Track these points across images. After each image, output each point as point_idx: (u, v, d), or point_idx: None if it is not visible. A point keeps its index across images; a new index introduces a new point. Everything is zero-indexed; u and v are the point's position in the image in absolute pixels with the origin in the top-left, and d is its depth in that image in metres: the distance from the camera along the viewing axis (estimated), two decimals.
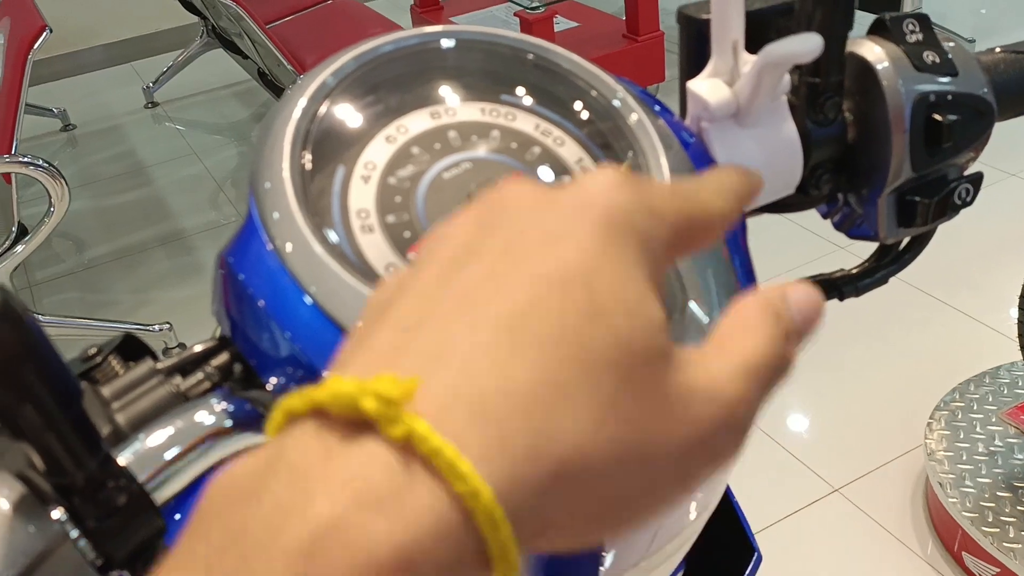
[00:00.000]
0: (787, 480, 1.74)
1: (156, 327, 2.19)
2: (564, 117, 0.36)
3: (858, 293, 0.48)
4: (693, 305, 0.34)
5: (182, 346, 2.19)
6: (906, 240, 0.48)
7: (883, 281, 0.48)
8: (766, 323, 0.25)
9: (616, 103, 0.37)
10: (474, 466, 0.20)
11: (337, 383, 0.21)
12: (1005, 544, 1.45)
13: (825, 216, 0.48)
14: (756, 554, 0.58)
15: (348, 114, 0.35)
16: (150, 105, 3.66)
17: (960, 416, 1.66)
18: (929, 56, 0.43)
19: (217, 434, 0.33)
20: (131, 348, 0.36)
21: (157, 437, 0.33)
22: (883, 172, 0.43)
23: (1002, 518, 1.49)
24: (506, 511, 0.20)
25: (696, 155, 0.38)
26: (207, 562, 0.20)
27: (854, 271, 0.49)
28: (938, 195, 0.44)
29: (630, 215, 0.24)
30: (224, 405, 0.34)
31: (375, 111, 0.35)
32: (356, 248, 0.32)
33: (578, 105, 0.37)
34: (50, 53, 3.72)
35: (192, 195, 2.99)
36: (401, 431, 0.20)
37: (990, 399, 1.68)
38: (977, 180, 0.45)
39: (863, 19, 0.41)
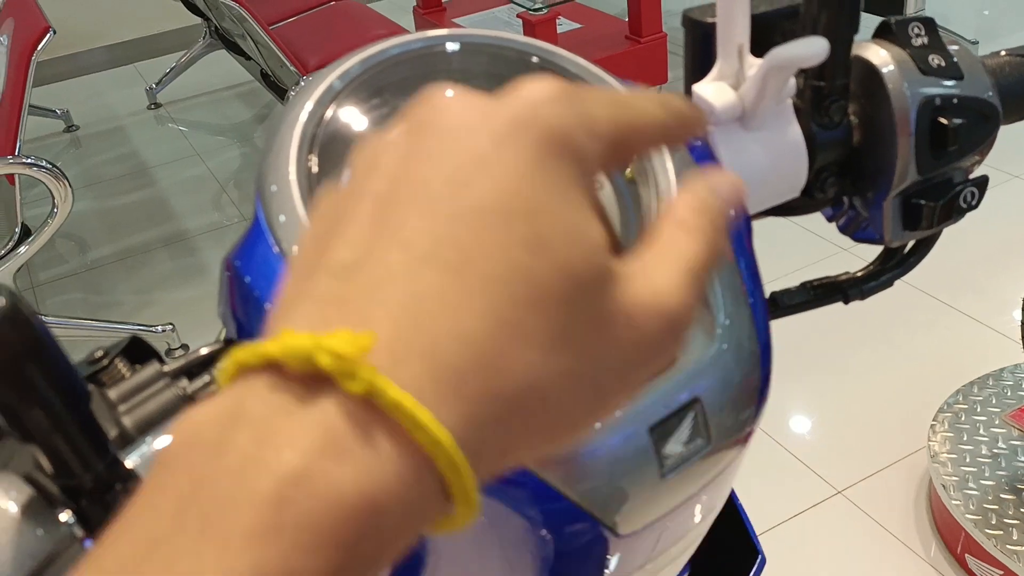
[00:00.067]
0: (790, 482, 1.73)
1: (159, 328, 2.20)
2: None
3: (863, 296, 0.48)
4: (699, 308, 0.34)
5: (185, 347, 2.20)
6: (911, 243, 0.48)
7: (888, 284, 0.48)
8: (702, 222, 0.26)
9: None
10: (433, 414, 0.20)
11: (290, 337, 0.21)
12: (1008, 546, 1.45)
13: (830, 219, 0.48)
14: (760, 556, 0.58)
15: (354, 117, 0.35)
16: (153, 106, 3.67)
17: (963, 418, 1.66)
18: (934, 60, 0.43)
19: None
20: (137, 351, 0.36)
21: (164, 440, 0.33)
22: (888, 175, 0.43)
23: (1005, 520, 1.48)
24: (466, 452, 0.21)
25: (701, 158, 0.38)
26: (173, 513, 0.20)
27: (859, 274, 0.49)
28: (943, 198, 0.44)
29: (568, 134, 0.23)
30: None
31: (381, 114, 0.35)
32: None
33: None
34: (53, 54, 3.72)
35: (195, 196, 3.00)
36: (360, 386, 0.20)
37: (994, 401, 1.68)
38: (982, 183, 0.45)
39: (868, 23, 0.41)
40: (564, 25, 3.06)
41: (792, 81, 0.39)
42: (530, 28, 2.70)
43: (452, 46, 0.37)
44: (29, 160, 1.93)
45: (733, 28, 0.38)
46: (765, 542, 0.58)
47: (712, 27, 0.40)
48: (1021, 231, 2.30)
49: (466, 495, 0.21)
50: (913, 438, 1.75)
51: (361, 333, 0.21)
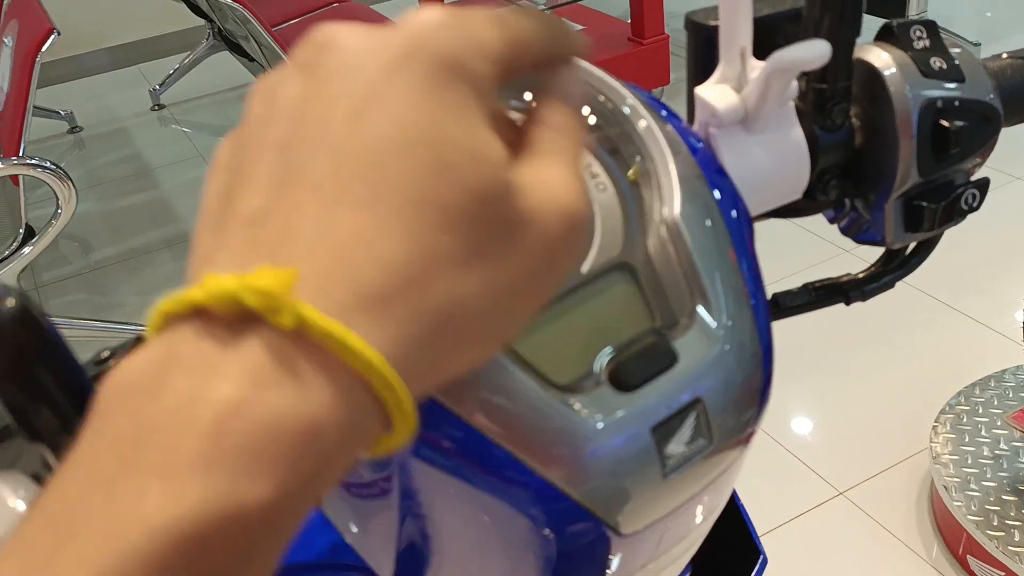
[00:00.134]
0: (792, 483, 1.73)
1: None
2: None
3: (865, 298, 0.48)
4: (701, 309, 0.34)
5: None
6: (913, 245, 0.48)
7: (890, 286, 0.48)
8: (570, 122, 0.27)
9: (626, 109, 0.37)
10: (363, 339, 0.21)
11: (213, 281, 0.21)
12: (1010, 548, 1.45)
13: (832, 221, 0.48)
14: (762, 557, 0.58)
15: None
16: (156, 107, 3.67)
17: (965, 420, 1.66)
18: (936, 62, 0.43)
19: None
20: None
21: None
22: (890, 177, 0.43)
23: (1007, 522, 1.48)
24: (399, 371, 0.22)
25: (704, 161, 0.38)
26: (114, 454, 0.20)
27: (861, 275, 0.49)
28: (945, 200, 0.44)
29: (457, 57, 0.24)
30: None
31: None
32: None
33: (586, 110, 0.37)
34: (57, 56, 3.73)
35: (198, 198, 2.98)
36: (289, 320, 0.21)
37: (995, 403, 1.68)
38: (984, 185, 0.45)
39: (870, 25, 0.41)
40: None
41: (794, 84, 0.39)
42: None
43: None
44: (33, 161, 1.94)
45: (736, 31, 0.38)
46: (767, 543, 0.58)
47: (715, 30, 0.40)
48: (1022, 233, 2.30)
49: (403, 412, 0.22)
50: (915, 439, 1.75)
51: (283, 269, 0.22)
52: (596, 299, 0.33)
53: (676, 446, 0.32)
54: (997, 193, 0.46)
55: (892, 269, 0.48)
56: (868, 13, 0.41)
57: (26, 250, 2.03)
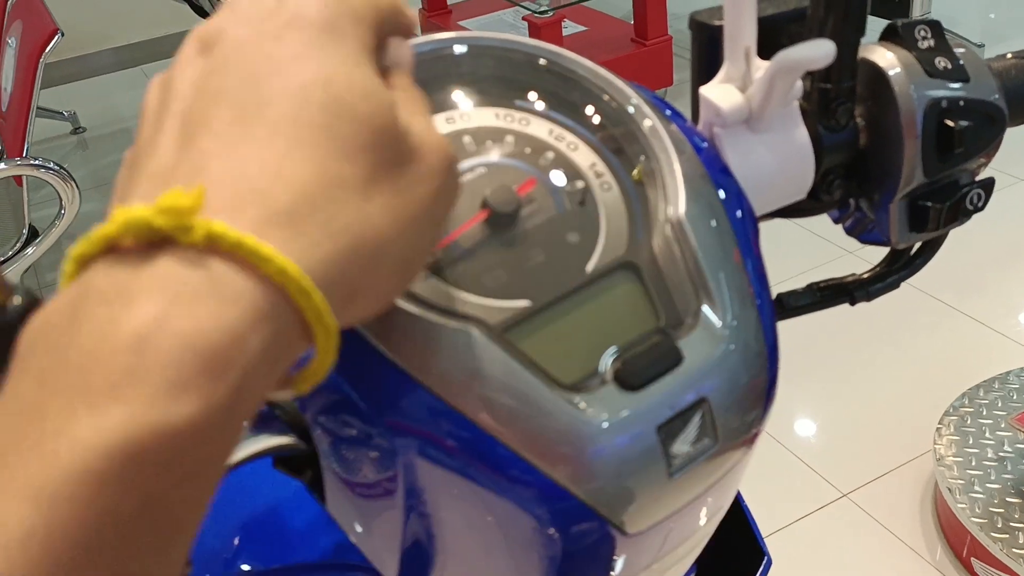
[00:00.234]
0: (795, 485, 1.73)
1: None
2: (577, 122, 0.36)
3: (869, 298, 0.48)
4: (706, 309, 0.34)
5: None
6: (917, 245, 0.48)
7: (895, 286, 0.48)
8: (414, 83, 0.30)
9: (630, 109, 0.37)
10: (276, 249, 0.22)
11: (124, 213, 0.22)
12: (1015, 550, 1.45)
13: (837, 221, 0.48)
14: (766, 558, 0.58)
15: None
16: None
17: (969, 421, 1.66)
18: (941, 62, 0.43)
19: None
20: None
21: None
22: (895, 177, 0.43)
23: (1011, 524, 1.48)
24: (314, 281, 0.23)
25: (708, 160, 0.38)
26: (38, 386, 0.21)
27: (866, 276, 0.49)
28: (950, 200, 0.44)
29: (335, 20, 0.26)
30: None
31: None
32: None
33: (591, 110, 0.37)
34: (60, 56, 3.73)
35: None
36: (200, 235, 0.22)
37: (999, 404, 1.68)
38: (989, 185, 0.45)
39: (873, 26, 0.41)
40: (569, 28, 3.06)
41: (799, 83, 0.39)
42: (536, 31, 2.70)
43: (461, 48, 0.37)
44: (37, 162, 1.94)
45: (740, 31, 0.38)
46: (770, 544, 0.58)
47: (719, 30, 0.40)
48: None
49: (323, 325, 0.23)
50: (919, 441, 1.74)
51: (191, 191, 0.22)
52: (601, 298, 0.33)
53: (681, 446, 0.32)
54: (1001, 195, 0.46)
55: (897, 269, 0.48)
56: (872, 14, 0.41)
57: (29, 250, 2.03)
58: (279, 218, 0.23)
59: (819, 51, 0.34)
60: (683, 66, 3.07)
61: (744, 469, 0.37)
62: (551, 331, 0.32)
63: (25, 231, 2.05)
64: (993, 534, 1.47)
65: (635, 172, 0.36)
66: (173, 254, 0.22)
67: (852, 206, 0.46)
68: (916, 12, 2.72)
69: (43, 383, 0.21)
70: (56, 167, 1.94)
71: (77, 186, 1.96)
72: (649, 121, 0.37)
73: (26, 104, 2.01)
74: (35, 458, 0.20)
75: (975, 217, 0.46)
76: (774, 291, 0.39)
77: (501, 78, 0.37)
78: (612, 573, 0.35)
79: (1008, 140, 0.46)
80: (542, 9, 2.74)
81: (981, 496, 1.53)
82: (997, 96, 0.44)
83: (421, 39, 0.37)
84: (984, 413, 1.67)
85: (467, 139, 0.35)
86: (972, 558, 1.52)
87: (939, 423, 1.67)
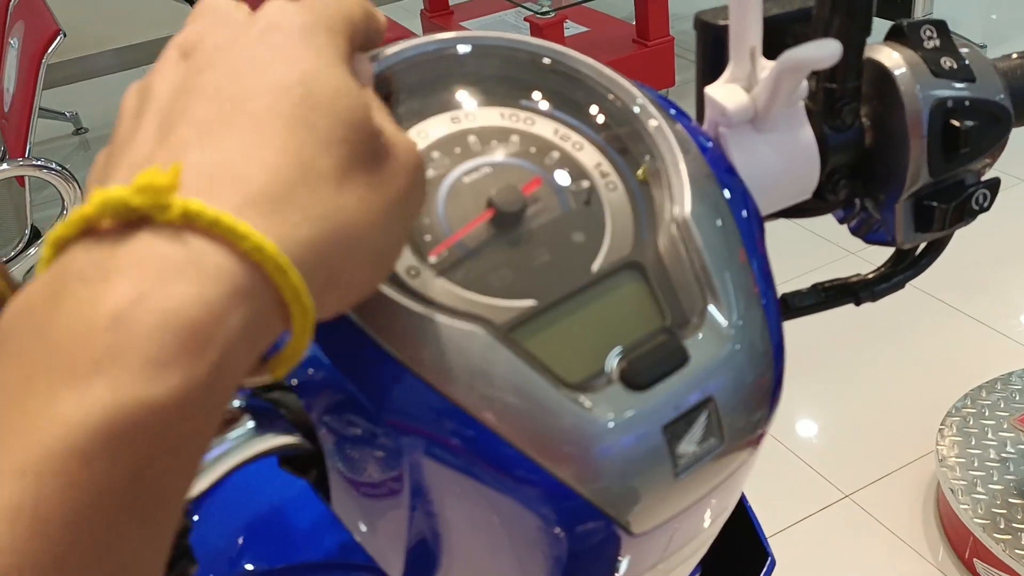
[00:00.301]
0: (798, 486, 1.73)
1: None
2: (583, 122, 0.36)
3: (875, 298, 0.48)
4: (712, 309, 0.34)
5: None
6: (923, 245, 0.48)
7: (900, 286, 0.48)
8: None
9: (636, 108, 0.37)
10: (252, 226, 0.22)
11: (101, 194, 0.22)
12: (1017, 551, 1.44)
13: (842, 221, 0.48)
14: (770, 558, 0.58)
15: None
16: None
17: (972, 422, 1.65)
18: (946, 62, 0.43)
19: (240, 434, 0.34)
20: None
21: None
22: (901, 177, 0.43)
23: (1014, 525, 1.48)
24: (292, 262, 0.23)
25: (714, 160, 0.38)
26: (19, 366, 0.21)
27: (871, 276, 0.49)
28: (956, 200, 0.44)
29: (310, 26, 0.27)
30: (246, 405, 0.35)
31: (396, 115, 0.35)
32: None
33: (596, 110, 0.37)
34: (62, 57, 3.73)
35: None
36: (177, 212, 0.22)
37: (1002, 405, 1.68)
38: (994, 185, 0.45)
39: (877, 27, 0.41)
40: (571, 28, 3.06)
41: (804, 83, 0.39)
42: (537, 31, 2.70)
43: (466, 48, 0.37)
44: (39, 162, 1.94)
45: (745, 31, 0.38)
46: (773, 545, 0.58)
47: (724, 30, 0.40)
48: None
49: (299, 299, 0.23)
50: (921, 442, 1.74)
51: (168, 170, 0.23)
52: (607, 298, 0.33)
53: (688, 445, 0.32)
54: (1004, 195, 0.46)
55: (902, 269, 0.48)
56: (876, 15, 0.41)
57: (32, 251, 2.04)
58: (256, 201, 0.23)
59: (825, 51, 0.34)
60: (685, 67, 3.07)
61: (749, 470, 0.37)
62: (557, 330, 0.32)
63: (27, 231, 2.06)
64: (995, 535, 1.47)
65: (640, 172, 0.36)
66: (151, 232, 0.22)
67: (857, 206, 0.46)
68: (918, 13, 2.72)
69: (24, 364, 0.21)
70: (58, 168, 1.94)
71: (79, 187, 1.96)
72: (654, 121, 0.37)
73: (28, 105, 2.02)
74: (19, 437, 0.20)
75: (978, 218, 0.46)
76: (777, 292, 0.39)
77: (506, 78, 0.37)
78: (617, 573, 0.35)
79: (1012, 141, 0.46)
80: (544, 10, 2.74)
81: (983, 497, 1.53)
82: (1003, 96, 0.44)
83: (425, 39, 0.37)
84: (986, 414, 1.67)
85: (472, 138, 0.35)
86: (974, 559, 1.52)
87: (941, 424, 1.66)
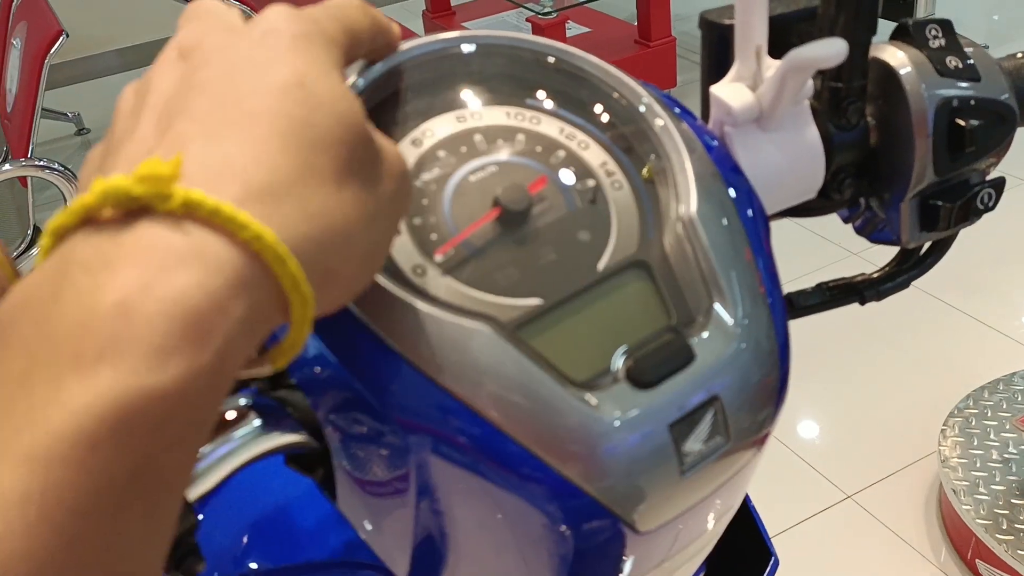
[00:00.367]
0: (800, 486, 1.73)
1: None
2: (588, 121, 0.36)
3: (879, 297, 0.48)
4: (718, 307, 0.34)
5: None
6: (927, 244, 0.48)
7: (905, 285, 0.48)
8: None
9: (641, 107, 0.37)
10: (252, 217, 0.22)
11: (102, 183, 0.22)
12: (1020, 552, 1.44)
13: (846, 220, 0.48)
14: (773, 558, 0.58)
15: (375, 117, 0.35)
16: None
17: (974, 423, 1.65)
18: (952, 61, 0.43)
19: (246, 432, 0.34)
20: None
21: None
22: (906, 176, 0.43)
23: (1016, 525, 1.48)
24: (291, 252, 0.23)
25: (719, 159, 0.38)
26: (24, 356, 0.21)
27: (875, 275, 0.49)
28: (961, 199, 0.44)
29: (309, 34, 0.28)
30: (253, 403, 0.35)
31: (402, 115, 0.35)
32: None
33: (602, 109, 0.37)
34: (65, 58, 3.74)
35: None
36: (178, 202, 0.22)
37: (1004, 406, 1.68)
38: (999, 185, 0.45)
39: (881, 27, 0.41)
40: (573, 29, 3.06)
41: (810, 82, 0.39)
42: (539, 32, 2.70)
43: (471, 47, 0.37)
44: (41, 163, 1.95)
45: (751, 30, 0.38)
46: (775, 546, 0.58)
47: (729, 29, 0.40)
48: None
49: (298, 288, 0.23)
50: (923, 443, 1.74)
51: (170, 160, 0.23)
52: (613, 297, 0.33)
53: (694, 444, 0.32)
54: (1006, 195, 0.46)
55: (907, 269, 0.48)
56: (880, 16, 0.41)
57: (34, 251, 2.04)
58: (256, 195, 0.23)
59: (831, 50, 0.34)
60: (687, 68, 3.07)
61: (754, 469, 0.37)
62: (563, 329, 0.32)
63: (30, 231, 2.06)
64: (998, 536, 1.47)
65: (646, 170, 0.36)
66: (152, 221, 0.22)
67: (862, 205, 0.46)
68: (920, 13, 2.72)
69: (29, 353, 0.21)
70: (61, 168, 1.95)
71: (78, 183, 1.96)
72: (660, 120, 0.37)
73: (31, 105, 2.02)
74: (27, 424, 0.20)
75: (981, 217, 0.46)
76: (782, 291, 0.39)
77: (511, 77, 0.37)
78: (623, 571, 0.35)
79: (1015, 141, 0.46)
80: (546, 11, 2.74)
81: (986, 498, 1.52)
82: (1008, 95, 0.44)
83: (430, 38, 0.37)
84: (989, 415, 1.67)
85: (478, 137, 0.35)
86: (977, 560, 1.52)
87: (943, 425, 1.66)
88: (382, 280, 0.31)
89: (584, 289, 0.33)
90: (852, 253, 2.21)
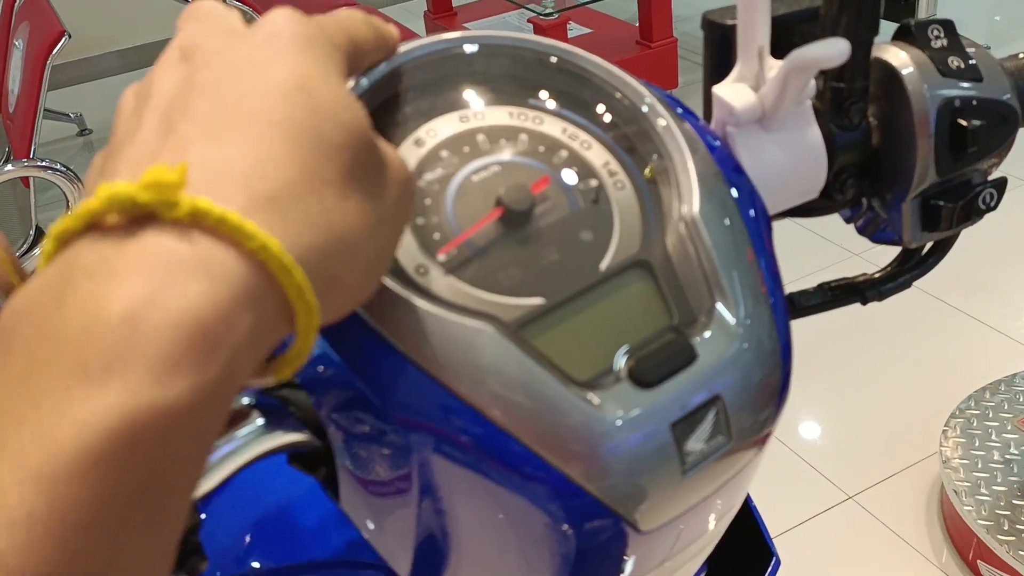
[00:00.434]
0: (801, 487, 1.73)
1: None
2: (591, 121, 0.36)
3: (881, 297, 0.48)
4: (720, 307, 0.34)
5: None
6: (929, 244, 0.48)
7: (906, 285, 0.48)
8: None
9: (644, 108, 0.37)
10: (258, 227, 0.22)
11: (107, 189, 0.22)
12: (1021, 553, 1.44)
13: (848, 220, 0.48)
14: (775, 559, 0.58)
15: (378, 118, 0.35)
16: None
17: (975, 424, 1.65)
18: (954, 62, 0.43)
19: (249, 431, 0.34)
20: None
21: None
22: (908, 177, 0.43)
23: (1018, 526, 1.48)
24: (296, 262, 0.23)
25: (722, 159, 0.38)
26: (27, 363, 0.20)
27: (877, 275, 0.49)
28: (963, 199, 0.44)
29: (311, 37, 0.27)
30: (256, 402, 0.35)
31: (404, 115, 0.35)
32: None
33: (604, 109, 0.37)
34: (67, 58, 3.74)
35: None
36: (185, 210, 0.22)
37: (1006, 407, 1.68)
38: (1001, 185, 0.45)
39: (884, 26, 0.41)
40: (575, 30, 3.06)
41: (812, 83, 0.39)
42: (541, 33, 2.70)
43: (474, 48, 0.37)
44: (44, 163, 1.95)
45: (753, 30, 0.38)
46: (776, 546, 0.58)
47: (732, 29, 0.40)
48: None
49: (303, 298, 0.23)
50: (925, 443, 1.74)
51: (175, 167, 0.22)
52: (615, 296, 0.33)
53: (695, 443, 0.32)
54: (1008, 196, 0.46)
55: (909, 269, 0.48)
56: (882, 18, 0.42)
57: (36, 251, 2.04)
58: (262, 203, 0.23)
59: (833, 50, 0.34)
60: (688, 68, 3.07)
61: (756, 468, 0.37)
62: (565, 328, 0.32)
63: (32, 232, 2.06)
64: (999, 537, 1.47)
65: (648, 170, 0.36)
66: (158, 229, 0.22)
67: (864, 205, 0.46)
68: (922, 14, 2.72)
69: (34, 360, 0.20)
70: (63, 169, 1.95)
71: (83, 187, 1.96)
72: (663, 120, 0.37)
73: (33, 106, 2.02)
74: (33, 439, 0.20)
75: (983, 217, 0.46)
76: (784, 291, 0.39)
77: (514, 77, 0.37)
78: (625, 570, 0.35)
79: (1017, 142, 0.46)
80: (547, 11, 2.74)
81: (987, 499, 1.52)
82: (1010, 96, 0.44)
83: (433, 38, 0.37)
84: (990, 415, 1.67)
85: (481, 137, 0.35)
86: (978, 561, 1.52)
87: (945, 425, 1.66)
88: (385, 280, 0.31)
89: (586, 289, 0.33)
90: (854, 254, 2.21)
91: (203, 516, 0.33)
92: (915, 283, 0.49)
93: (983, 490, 1.54)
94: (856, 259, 2.20)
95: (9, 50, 2.37)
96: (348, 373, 0.32)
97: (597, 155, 0.36)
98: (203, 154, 0.24)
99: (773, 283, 0.36)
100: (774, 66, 0.39)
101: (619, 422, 0.31)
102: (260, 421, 0.34)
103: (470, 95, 0.36)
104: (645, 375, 0.32)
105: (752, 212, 0.37)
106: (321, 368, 0.33)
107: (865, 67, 0.42)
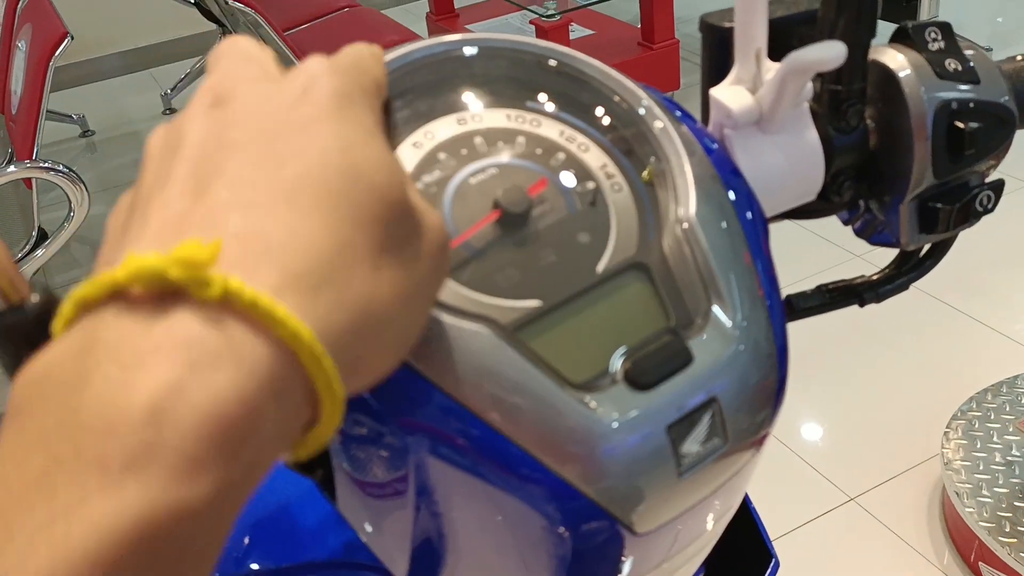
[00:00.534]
0: (802, 489, 1.73)
1: None
2: (588, 123, 0.37)
3: (879, 299, 0.48)
4: (716, 309, 0.34)
5: None
6: (927, 246, 0.48)
7: (904, 287, 0.48)
8: None
9: (641, 110, 0.37)
10: (290, 311, 0.21)
11: (136, 260, 0.21)
12: (1022, 554, 1.44)
13: (846, 223, 0.48)
14: (774, 560, 0.58)
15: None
16: (168, 111, 3.69)
17: (977, 426, 1.65)
18: (951, 64, 0.43)
19: None
20: None
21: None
22: (905, 179, 0.43)
23: (1019, 528, 1.48)
24: (326, 349, 0.22)
25: (719, 161, 0.38)
26: (44, 452, 0.19)
27: (875, 277, 0.49)
28: (960, 201, 0.44)
29: (348, 92, 0.26)
30: None
31: (402, 117, 0.35)
32: None
33: (602, 111, 0.37)
34: (69, 60, 3.75)
35: None
36: (216, 291, 0.21)
37: (1007, 409, 1.68)
38: (999, 187, 0.45)
39: (882, 29, 0.41)
40: (577, 32, 3.06)
41: (809, 85, 0.39)
42: (543, 35, 2.70)
43: (473, 50, 0.37)
44: (46, 164, 1.95)
45: (751, 32, 0.38)
46: (777, 548, 0.58)
47: (729, 32, 0.40)
48: None
49: (330, 388, 0.22)
50: (926, 445, 1.74)
51: (208, 244, 0.21)
52: (611, 298, 0.33)
53: (691, 445, 0.32)
54: (1007, 198, 0.46)
55: (906, 271, 0.48)
56: (880, 18, 0.42)
57: (39, 252, 2.04)
58: (294, 281, 0.22)
59: (830, 52, 0.34)
60: (690, 70, 3.07)
61: (753, 470, 0.37)
62: (562, 331, 0.32)
63: (34, 233, 2.06)
64: (1001, 538, 1.47)
65: (645, 173, 0.36)
66: (187, 310, 0.20)
67: (862, 208, 0.46)
68: (924, 15, 2.71)
69: (49, 447, 0.19)
70: (65, 170, 1.95)
71: (86, 188, 1.97)
72: (660, 122, 0.37)
73: (35, 107, 2.02)
74: (46, 538, 0.18)
75: (982, 219, 0.46)
76: (781, 294, 0.40)
77: (512, 79, 0.37)
78: (621, 572, 0.35)
79: (1015, 143, 0.46)
80: (549, 13, 2.74)
81: (989, 500, 1.52)
82: (1007, 98, 0.44)
83: (432, 41, 0.37)
84: (992, 417, 1.66)
85: (478, 140, 0.35)
86: (980, 562, 1.52)
87: (947, 427, 1.66)
88: None
89: (583, 291, 0.33)
90: (855, 255, 2.21)
91: None
92: (916, 285, 0.49)
93: (985, 492, 1.54)
94: (858, 261, 2.20)
95: (12, 51, 2.37)
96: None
97: (594, 157, 0.36)
98: (238, 223, 0.22)
99: (770, 285, 0.36)
100: (772, 68, 0.39)
101: (615, 424, 0.31)
102: None
103: (468, 97, 0.36)
104: (641, 377, 0.32)
105: (749, 214, 0.37)
106: None
107: (863, 69, 0.42)
